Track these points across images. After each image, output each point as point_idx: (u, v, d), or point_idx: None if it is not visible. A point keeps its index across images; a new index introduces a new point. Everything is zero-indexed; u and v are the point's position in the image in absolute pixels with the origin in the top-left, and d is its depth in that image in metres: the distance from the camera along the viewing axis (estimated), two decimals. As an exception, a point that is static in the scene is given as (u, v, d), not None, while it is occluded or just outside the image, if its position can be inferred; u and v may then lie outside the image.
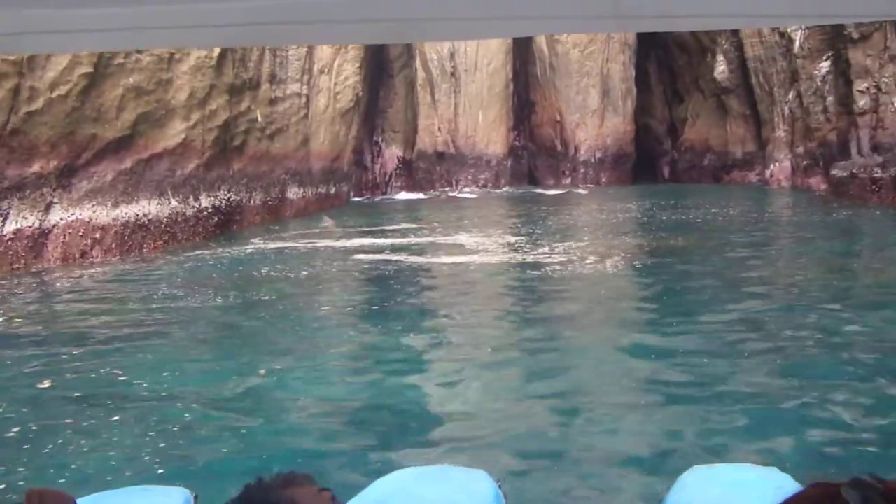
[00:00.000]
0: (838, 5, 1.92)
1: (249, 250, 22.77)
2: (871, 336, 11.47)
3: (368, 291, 17.50)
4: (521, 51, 49.43)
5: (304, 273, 18.85)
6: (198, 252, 22.44)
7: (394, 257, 21.21)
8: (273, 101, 31.35)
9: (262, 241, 24.56)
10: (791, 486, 2.25)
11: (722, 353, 10.65)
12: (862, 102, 32.48)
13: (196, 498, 2.78)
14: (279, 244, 24.09)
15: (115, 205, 21.81)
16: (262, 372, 10.22)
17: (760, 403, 8.49)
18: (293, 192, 33.20)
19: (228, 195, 27.63)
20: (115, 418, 8.38)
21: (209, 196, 26.29)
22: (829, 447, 7.20)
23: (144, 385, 9.59)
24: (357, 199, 40.25)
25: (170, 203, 24.03)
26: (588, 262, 19.41)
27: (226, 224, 27.29)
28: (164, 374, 10.04)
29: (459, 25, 2.00)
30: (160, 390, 9.34)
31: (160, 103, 23.56)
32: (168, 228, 23.94)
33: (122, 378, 9.99)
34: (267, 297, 15.76)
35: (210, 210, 26.29)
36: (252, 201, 29.66)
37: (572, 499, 6.47)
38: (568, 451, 7.35)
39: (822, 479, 1.34)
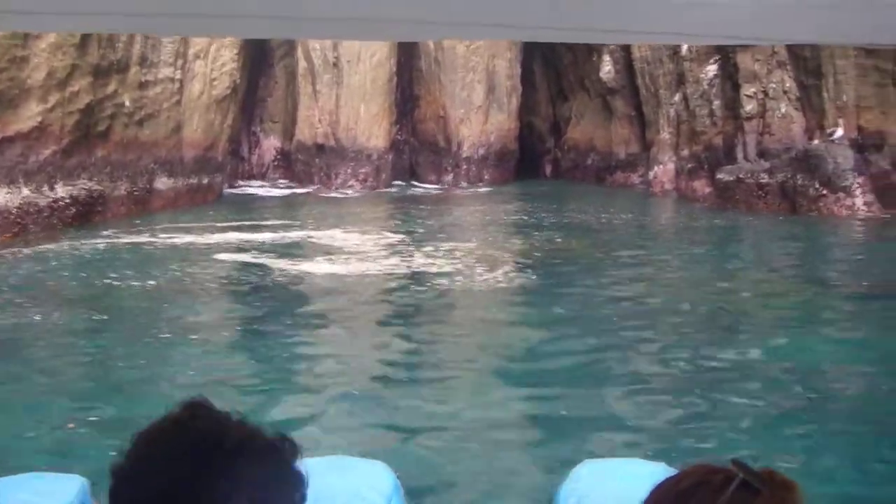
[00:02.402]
0: (734, 27, 2.06)
1: (102, 247, 20.90)
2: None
3: (223, 309, 15.65)
4: (406, 44, 48.23)
5: (152, 283, 16.96)
6: (46, 247, 20.52)
7: (260, 260, 19.66)
8: (143, 86, 29.57)
9: (118, 237, 22.64)
10: None
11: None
12: (749, 107, 32.39)
13: (92, 486, 2.70)
14: (137, 239, 22.25)
15: (-43, 192, 19.81)
16: (72, 425, 8.70)
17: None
18: (162, 183, 31.31)
19: (89, 185, 25.69)
20: None
21: (67, 185, 24.35)
22: None
23: None
24: (232, 191, 38.42)
25: (21, 192, 22.03)
26: (477, 272, 18.43)
27: (86, 216, 25.32)
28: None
29: (383, 26, 2.03)
30: None
31: (13, 82, 21.68)
32: (18, 220, 21.98)
33: None
34: (97, 318, 13.92)
35: (68, 200, 24.34)
36: (116, 191, 27.77)
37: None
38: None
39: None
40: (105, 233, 23.06)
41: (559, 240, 23.65)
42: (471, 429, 9.35)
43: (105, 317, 14.13)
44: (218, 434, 1.47)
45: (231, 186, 39.34)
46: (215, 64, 34.83)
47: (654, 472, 2.41)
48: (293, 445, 1.56)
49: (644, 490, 2.02)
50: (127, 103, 28.54)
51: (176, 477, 1.43)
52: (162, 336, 12.99)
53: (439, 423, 9.57)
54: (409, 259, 20.19)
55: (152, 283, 17.03)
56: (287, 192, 40.54)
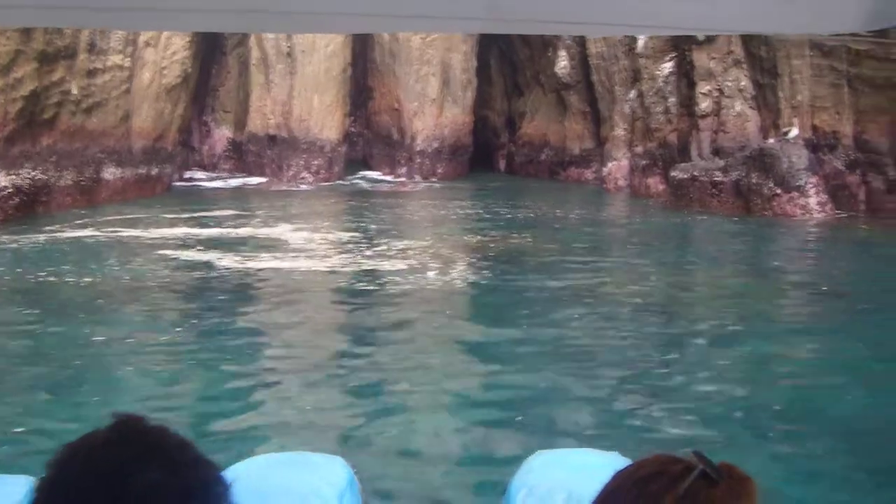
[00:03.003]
0: (690, 18, 2.07)
1: (42, 240, 20.28)
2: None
3: (161, 310, 14.97)
4: (361, 35, 47.84)
5: (88, 279, 16.39)
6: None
7: (206, 256, 19.15)
8: (91, 73, 28.95)
9: (61, 229, 22.02)
10: None
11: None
12: (704, 105, 32.43)
13: None
14: (79, 233, 21.64)
15: None
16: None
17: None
18: (110, 173, 30.68)
19: (33, 174, 25.01)
20: None
21: (10, 174, 23.73)
22: None
23: None
24: (182, 182, 37.79)
25: (-40, 181, 21.40)
26: (430, 270, 18.17)
27: (30, 206, 24.70)
28: None
29: (335, 20, 2.02)
30: None
31: (-47, 68, 20.97)
32: (-43, 209, 21.31)
33: None
34: (29, 315, 13.33)
35: (10, 190, 23.68)
36: (62, 181, 27.14)
37: None
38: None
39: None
40: (48, 227, 22.44)
41: (514, 237, 23.46)
42: (420, 430, 9.25)
43: (37, 313, 13.61)
44: (141, 466, 1.39)
45: (181, 177, 38.72)
46: (166, 52, 34.25)
47: (607, 462, 2.40)
48: (224, 487, 1.49)
49: (596, 480, 2.05)
50: (74, 91, 27.95)
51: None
52: (95, 338, 12.51)
53: (389, 422, 9.46)
54: (360, 257, 19.86)
55: (89, 279, 16.50)
56: (238, 183, 39.93)
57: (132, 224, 23.73)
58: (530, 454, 2.55)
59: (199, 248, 20.33)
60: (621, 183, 38.91)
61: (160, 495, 1.38)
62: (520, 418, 9.65)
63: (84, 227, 22.80)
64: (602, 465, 2.32)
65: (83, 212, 26.05)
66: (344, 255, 20.04)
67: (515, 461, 2.48)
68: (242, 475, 2.29)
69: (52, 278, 16.46)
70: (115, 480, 1.37)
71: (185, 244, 20.79)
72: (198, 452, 1.47)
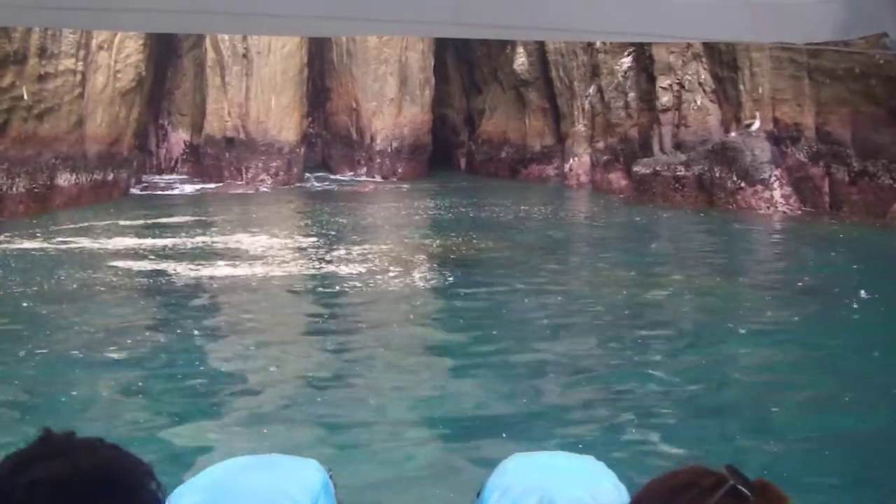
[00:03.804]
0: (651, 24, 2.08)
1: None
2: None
3: (113, 317, 14.52)
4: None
5: (35, 288, 15.78)
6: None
7: (159, 266, 18.68)
8: (42, 78, 28.36)
9: (7, 240, 21.40)
10: (604, 473, 2.34)
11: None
12: (664, 99, 32.41)
13: None
14: (26, 244, 21.05)
15: None
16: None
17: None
18: (64, 179, 30.10)
19: (-16, 182, 24.42)
20: None
21: (-40, 183, 23.07)
22: None
23: None
24: (139, 186, 37.15)
25: None
26: (391, 274, 17.90)
27: (-20, 214, 24.06)
28: None
29: (301, 23, 2.00)
30: None
31: None
32: None
33: None
34: None
35: (-40, 198, 23.07)
36: (14, 188, 26.60)
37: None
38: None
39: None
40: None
41: (476, 238, 23.18)
42: (378, 439, 9.22)
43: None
44: (68, 483, 1.40)
45: (138, 182, 38.06)
46: (120, 55, 33.69)
47: (581, 466, 2.47)
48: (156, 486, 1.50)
49: (570, 482, 2.24)
50: (25, 96, 27.33)
51: None
52: (38, 351, 12.04)
53: (348, 431, 9.42)
54: (319, 262, 19.51)
55: (35, 288, 16.00)
56: (196, 187, 39.35)
57: (84, 233, 23.14)
58: (500, 458, 2.51)
59: (153, 258, 19.83)
60: (583, 179, 38.84)
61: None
62: (477, 425, 9.59)
63: (33, 238, 22.16)
64: (576, 468, 2.44)
65: (35, 220, 25.42)
66: (302, 261, 19.69)
67: (485, 465, 2.44)
68: (216, 477, 2.42)
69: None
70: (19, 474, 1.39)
71: (138, 254, 20.27)
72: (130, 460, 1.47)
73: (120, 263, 19.00)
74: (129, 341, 12.82)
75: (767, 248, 23.63)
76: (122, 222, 25.68)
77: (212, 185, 40.49)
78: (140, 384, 10.82)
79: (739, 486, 1.45)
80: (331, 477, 2.56)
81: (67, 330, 13.39)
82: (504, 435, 9.14)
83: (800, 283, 17.57)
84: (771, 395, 10.76)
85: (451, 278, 17.90)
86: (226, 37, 42.41)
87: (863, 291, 15.69)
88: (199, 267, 18.83)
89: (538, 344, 13.14)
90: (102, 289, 16.58)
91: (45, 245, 21.21)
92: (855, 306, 15.01)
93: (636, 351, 12.76)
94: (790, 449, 8.87)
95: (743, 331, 14.02)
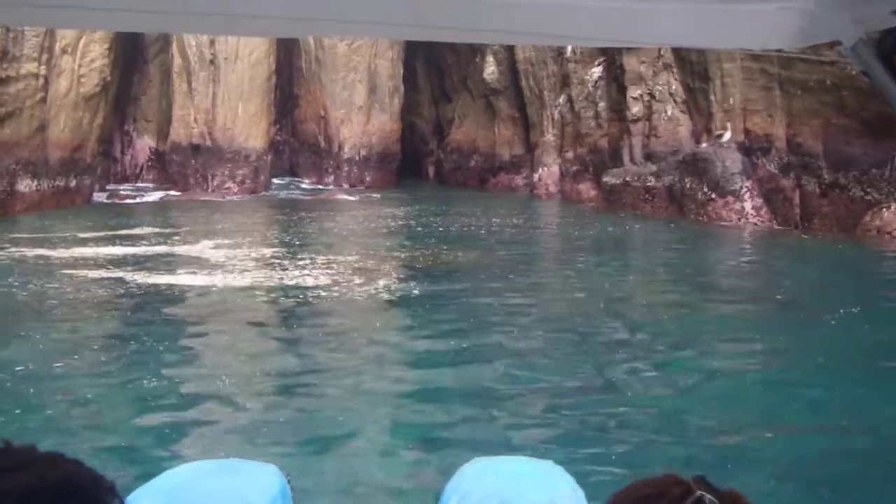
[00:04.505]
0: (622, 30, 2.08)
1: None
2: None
3: (63, 330, 14.05)
4: (286, 42, 47.16)
5: None
6: None
7: (115, 274, 18.24)
8: (3, 81, 28.03)
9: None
10: (563, 477, 2.36)
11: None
12: (635, 109, 32.34)
13: None
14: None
15: None
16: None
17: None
18: (25, 185, 29.63)
19: (-58, 187, 23.88)
20: None
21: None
22: None
23: None
24: (103, 193, 36.60)
25: None
26: (356, 285, 17.63)
27: (-62, 220, 23.53)
28: None
29: (264, 23, 1.99)
30: None
31: None
32: None
33: None
34: None
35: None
36: (-26, 194, 25.99)
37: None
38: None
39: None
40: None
41: (444, 250, 22.88)
42: (336, 450, 9.08)
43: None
44: (35, 495, 1.36)
45: (102, 188, 37.56)
46: (84, 59, 33.27)
47: (541, 470, 2.48)
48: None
49: (529, 487, 2.27)
50: (-15, 100, 26.91)
51: None
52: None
53: (307, 442, 9.26)
54: (284, 273, 19.17)
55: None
56: (161, 194, 38.82)
57: (41, 242, 22.61)
58: (461, 463, 2.51)
59: (111, 267, 19.37)
60: (552, 189, 38.72)
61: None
62: (444, 434, 9.51)
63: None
64: (536, 472, 2.45)
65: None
66: (267, 271, 19.35)
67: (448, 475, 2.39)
68: (173, 482, 2.38)
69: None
70: None
71: (97, 263, 19.79)
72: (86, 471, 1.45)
73: (74, 272, 18.54)
74: (83, 352, 12.44)
75: (736, 259, 23.53)
76: (82, 233, 25.11)
77: (177, 193, 39.98)
78: (89, 396, 10.50)
79: (709, 497, 1.44)
80: (289, 482, 2.53)
81: (23, 338, 13.00)
82: (468, 443, 9.09)
83: (778, 297, 17.47)
84: (739, 412, 10.61)
85: (416, 290, 17.64)
86: (193, 42, 42.01)
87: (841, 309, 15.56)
88: (158, 276, 18.47)
89: (505, 353, 12.97)
90: (55, 301, 16.07)
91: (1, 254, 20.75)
92: (833, 322, 14.87)
93: (603, 360, 12.67)
94: (758, 460, 8.71)
95: (713, 341, 13.96)
